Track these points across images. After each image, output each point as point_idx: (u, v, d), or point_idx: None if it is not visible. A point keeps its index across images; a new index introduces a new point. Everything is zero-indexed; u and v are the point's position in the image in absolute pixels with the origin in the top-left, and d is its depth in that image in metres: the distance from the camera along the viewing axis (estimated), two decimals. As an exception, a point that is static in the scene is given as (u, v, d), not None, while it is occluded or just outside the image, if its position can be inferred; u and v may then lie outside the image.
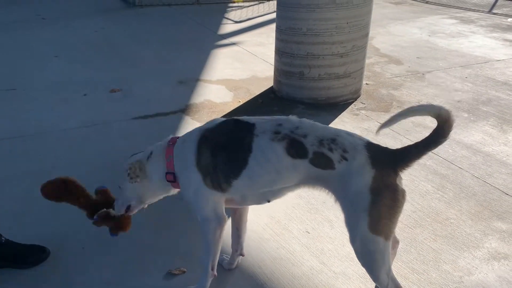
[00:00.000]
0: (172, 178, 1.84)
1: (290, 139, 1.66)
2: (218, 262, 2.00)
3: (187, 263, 2.15)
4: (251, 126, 1.73)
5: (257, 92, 4.36)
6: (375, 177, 1.58)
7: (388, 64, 5.23)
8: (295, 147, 1.65)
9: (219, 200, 1.80)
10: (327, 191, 1.72)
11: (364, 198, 1.58)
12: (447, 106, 1.60)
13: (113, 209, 1.97)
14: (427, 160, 3.09)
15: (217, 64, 5.19)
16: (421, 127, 3.59)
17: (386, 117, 3.79)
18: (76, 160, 3.07)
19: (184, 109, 3.90)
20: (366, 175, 1.58)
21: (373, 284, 2.03)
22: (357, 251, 1.68)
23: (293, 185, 1.75)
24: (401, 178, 1.62)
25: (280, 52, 4.10)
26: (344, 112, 3.93)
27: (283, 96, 4.20)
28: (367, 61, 5.25)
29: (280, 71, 4.17)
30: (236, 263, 2.13)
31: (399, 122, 1.65)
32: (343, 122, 3.72)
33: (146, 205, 2.01)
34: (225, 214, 1.86)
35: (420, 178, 2.89)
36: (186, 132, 1.91)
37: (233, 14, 7.98)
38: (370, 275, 1.72)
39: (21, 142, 3.32)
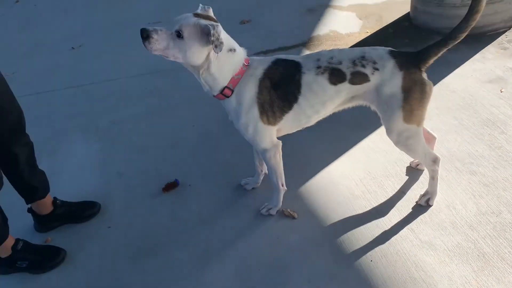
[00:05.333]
0: (229, 93, 1.95)
1: (330, 69, 1.91)
2: (242, 185, 2.43)
3: (300, 209, 2.25)
4: (298, 65, 1.95)
5: (390, 20, 3.97)
6: (404, 77, 1.85)
7: None
8: (335, 75, 1.90)
9: (272, 132, 2.05)
10: (364, 102, 2.01)
11: (397, 97, 1.87)
12: None
13: None
14: None
15: (353, -15, 4.80)
16: None
17: (544, 52, 3.14)
18: (196, 97, 3.30)
19: (306, 42, 3.80)
20: (397, 77, 1.86)
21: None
22: (394, 140, 2.01)
23: (332, 109, 2.05)
24: (424, 73, 1.89)
25: (417, -26, 3.60)
26: (489, 45, 3.35)
27: (418, 25, 3.74)
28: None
29: (417, -4, 3.68)
30: (260, 181, 2.43)
31: None
32: (485, 59, 3.20)
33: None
34: (278, 140, 2.09)
35: None
36: (253, 62, 1.97)
37: None
38: (409, 155, 2.15)
39: (154, 78, 3.69)
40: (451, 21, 3.49)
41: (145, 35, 1.75)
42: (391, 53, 1.91)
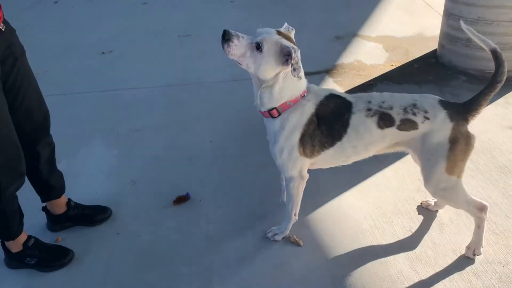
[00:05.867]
0: (275, 115, 1.96)
1: (380, 113, 1.92)
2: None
3: (306, 237, 2.27)
4: (349, 104, 1.96)
5: (417, 55, 3.98)
6: (453, 129, 1.87)
7: None
8: (384, 119, 1.91)
9: (305, 164, 2.06)
10: (406, 149, 2.03)
11: (444, 147, 1.88)
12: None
13: None
14: None
15: (383, 16, 4.84)
16: None
17: None
18: (217, 112, 3.39)
19: (329, 70, 3.84)
20: (446, 128, 1.88)
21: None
22: (432, 191, 2.00)
23: (374, 152, 2.05)
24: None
25: (447, 13, 3.62)
26: (513, 91, 3.34)
27: (444, 63, 3.75)
28: None
29: (445, 35, 3.70)
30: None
31: None
32: (508, 104, 3.18)
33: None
34: (307, 173, 2.10)
35: None
36: (308, 95, 1.97)
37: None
38: (449, 205, 2.15)
39: (177, 90, 3.78)
40: (478, 63, 3.53)
41: (227, 38, 1.81)
42: (442, 103, 1.92)
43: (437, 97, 1.96)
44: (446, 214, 2.33)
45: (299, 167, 2.05)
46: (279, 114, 1.96)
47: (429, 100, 1.93)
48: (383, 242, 2.21)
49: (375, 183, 2.59)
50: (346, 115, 1.94)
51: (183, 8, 5.71)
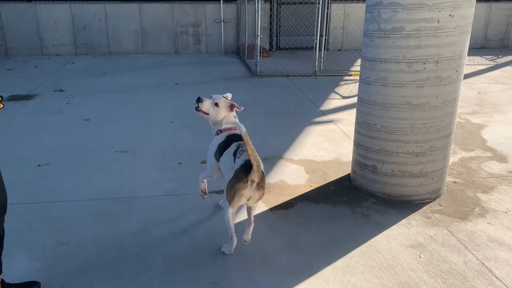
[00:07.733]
0: (219, 133, 3.41)
1: (237, 151, 3.11)
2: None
3: None
4: (232, 143, 3.22)
5: (334, 178, 4.44)
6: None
7: (488, 161, 4.85)
8: (235, 155, 3.08)
9: (215, 163, 3.37)
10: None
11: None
12: None
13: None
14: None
15: (306, 142, 5.41)
16: (496, 243, 3.29)
17: (460, 226, 3.56)
18: (146, 228, 3.52)
19: (256, 189, 4.16)
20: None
21: None
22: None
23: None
24: None
25: (356, 143, 4.18)
26: (415, 213, 3.78)
27: (356, 186, 4.21)
28: (465, 154, 5.07)
29: (356, 161, 4.21)
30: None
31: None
32: (409, 225, 3.59)
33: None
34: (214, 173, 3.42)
35: (468, 306, 2.66)
36: (226, 133, 3.34)
37: (344, 89, 8.18)
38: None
39: (109, 204, 3.90)
40: (383, 187, 4.02)
41: (200, 100, 3.35)
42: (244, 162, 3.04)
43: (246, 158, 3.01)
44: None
45: (212, 167, 3.41)
46: (220, 133, 3.37)
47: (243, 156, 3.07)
48: None
49: None
50: (228, 146, 3.20)
51: (124, 126, 6.04)
